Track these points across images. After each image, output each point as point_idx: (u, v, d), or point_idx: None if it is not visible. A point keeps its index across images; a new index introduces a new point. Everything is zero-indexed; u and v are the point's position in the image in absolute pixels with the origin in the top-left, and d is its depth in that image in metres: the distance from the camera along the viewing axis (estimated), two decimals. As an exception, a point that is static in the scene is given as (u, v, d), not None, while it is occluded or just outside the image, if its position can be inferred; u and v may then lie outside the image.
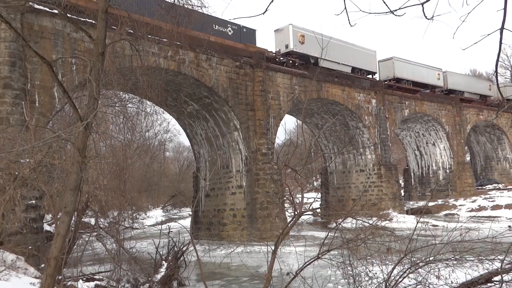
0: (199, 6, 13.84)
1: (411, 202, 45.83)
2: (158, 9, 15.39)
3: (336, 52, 35.39)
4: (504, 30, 4.20)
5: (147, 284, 13.30)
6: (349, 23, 4.65)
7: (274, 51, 33.55)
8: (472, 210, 38.49)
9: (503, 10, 4.19)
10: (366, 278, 8.40)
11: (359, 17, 4.69)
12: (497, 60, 4.74)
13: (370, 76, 40.69)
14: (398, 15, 4.57)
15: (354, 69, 38.60)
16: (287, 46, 33.42)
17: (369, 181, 38.30)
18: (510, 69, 78.10)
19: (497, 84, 6.00)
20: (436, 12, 4.59)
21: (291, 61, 33.32)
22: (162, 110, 33.65)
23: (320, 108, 37.27)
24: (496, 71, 5.05)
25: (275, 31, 34.68)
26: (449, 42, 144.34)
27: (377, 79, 42.03)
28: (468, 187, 46.49)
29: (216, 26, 29.22)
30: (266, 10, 4.85)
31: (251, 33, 31.84)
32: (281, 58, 33.29)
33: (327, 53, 33.25)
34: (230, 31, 30.21)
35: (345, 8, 4.56)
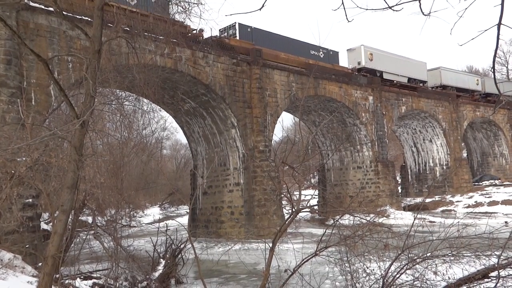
0: (196, 4, 13.78)
1: (408, 199, 45.94)
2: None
3: (395, 65, 42.61)
4: (501, 25, 4.19)
5: (145, 282, 13.31)
6: (347, 18, 4.64)
7: (349, 68, 40.04)
8: (469, 206, 38.61)
9: (500, 5, 4.18)
10: (364, 275, 8.42)
11: (357, 13, 4.68)
12: (494, 56, 4.73)
13: (421, 84, 46.22)
14: (396, 10, 4.56)
15: (409, 79, 44.36)
16: (359, 63, 40.01)
17: (366, 178, 38.39)
18: (506, 65, 78.35)
19: (495, 80, 5.98)
20: (433, 8, 4.58)
21: (362, 75, 39.19)
22: (159, 108, 33.56)
23: (317, 105, 37.29)
24: (493, 67, 5.03)
25: (347, 50, 41.46)
26: (446, 38, 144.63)
27: (427, 86, 47.53)
28: (465, 183, 46.62)
29: (312, 51, 36.52)
30: (263, 6, 4.83)
31: (335, 54, 39.12)
32: (356, 73, 39.01)
33: (389, 66, 42.34)
34: (321, 54, 37.22)
35: (343, 3, 4.55)
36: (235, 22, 31.25)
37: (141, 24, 20.97)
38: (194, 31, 27.10)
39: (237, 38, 30.92)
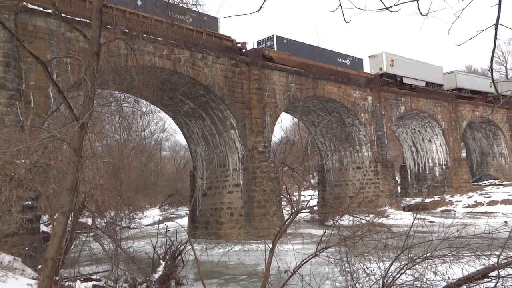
0: (194, 5, 13.80)
1: (407, 199, 45.95)
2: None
3: (414, 70, 44.95)
4: (498, 25, 4.20)
5: (145, 284, 13.29)
6: (344, 20, 4.65)
7: (372, 73, 41.98)
8: (468, 206, 38.64)
9: (497, 5, 4.19)
10: (364, 275, 8.42)
11: (354, 14, 4.69)
12: (492, 56, 4.75)
13: (438, 88, 48.19)
14: (393, 11, 4.57)
15: (427, 83, 46.58)
16: (381, 69, 42.20)
17: (366, 178, 38.38)
18: (505, 64, 78.49)
19: (493, 80, 6.02)
20: (431, 9, 4.59)
21: (384, 80, 41.65)
22: (158, 109, 33.55)
23: (316, 106, 37.30)
24: (491, 67, 5.07)
25: (369, 56, 43.55)
26: (444, 38, 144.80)
27: (444, 90, 49.19)
28: (464, 183, 46.64)
29: (340, 59, 38.72)
30: (261, 7, 4.84)
31: (360, 61, 41.53)
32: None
33: (408, 72, 44.56)
34: (348, 62, 39.52)
35: (340, 5, 4.56)
36: (273, 35, 34.09)
37: (140, 25, 21.00)
38: (239, 44, 30.76)
39: (275, 49, 33.30)
